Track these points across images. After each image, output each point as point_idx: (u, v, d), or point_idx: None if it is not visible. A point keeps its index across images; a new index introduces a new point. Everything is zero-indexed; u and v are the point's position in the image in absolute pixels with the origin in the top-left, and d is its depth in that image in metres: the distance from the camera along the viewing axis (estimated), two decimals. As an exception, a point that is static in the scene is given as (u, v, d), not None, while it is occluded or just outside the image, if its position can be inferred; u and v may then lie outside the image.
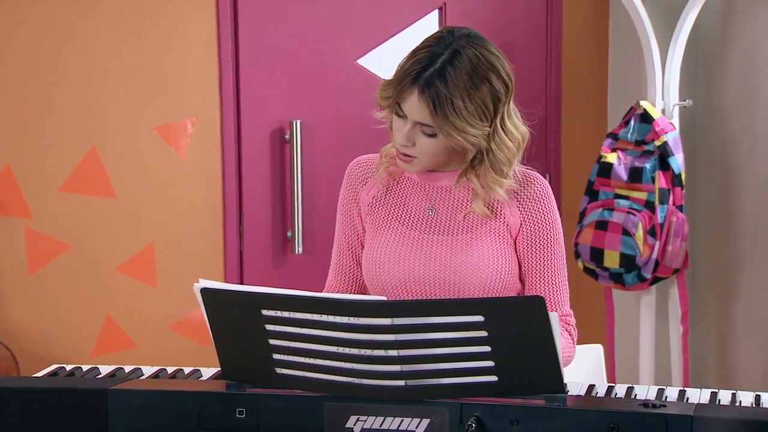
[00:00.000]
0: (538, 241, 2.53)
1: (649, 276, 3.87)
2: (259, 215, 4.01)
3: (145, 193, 3.88)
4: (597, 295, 4.10)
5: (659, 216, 3.83)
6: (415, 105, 2.38)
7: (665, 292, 4.08)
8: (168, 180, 3.90)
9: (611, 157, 3.93)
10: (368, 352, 2.05)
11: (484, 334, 2.01)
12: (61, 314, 3.86)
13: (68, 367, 2.45)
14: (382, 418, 2.10)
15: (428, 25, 4.15)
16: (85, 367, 2.44)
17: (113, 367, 2.43)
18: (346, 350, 2.06)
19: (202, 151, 3.92)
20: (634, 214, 3.83)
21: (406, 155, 2.46)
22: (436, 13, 4.18)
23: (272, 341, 2.11)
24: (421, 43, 2.45)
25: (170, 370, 2.41)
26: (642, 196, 3.87)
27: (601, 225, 3.87)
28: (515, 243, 2.53)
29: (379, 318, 2.01)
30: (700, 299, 4.18)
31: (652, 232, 3.82)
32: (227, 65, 3.92)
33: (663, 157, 3.86)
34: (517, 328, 2.00)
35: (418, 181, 2.57)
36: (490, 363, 2.03)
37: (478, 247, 2.49)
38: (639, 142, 3.92)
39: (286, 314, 2.07)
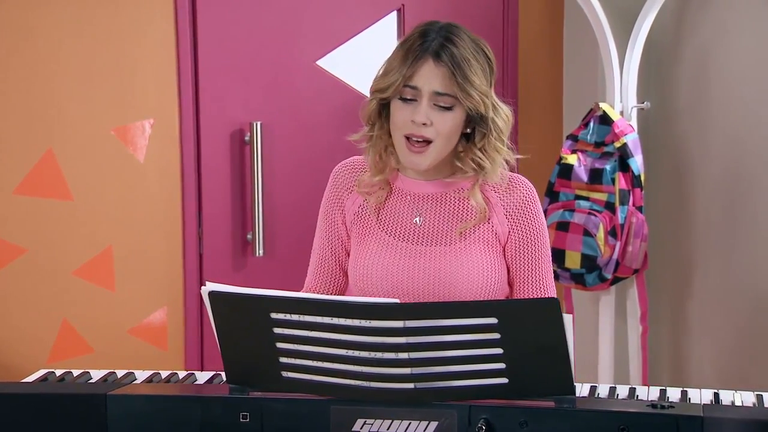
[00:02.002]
0: (526, 247, 2.54)
1: (609, 276, 3.90)
2: (218, 217, 3.97)
3: (102, 196, 3.82)
4: (557, 296, 4.11)
5: (620, 217, 3.86)
6: (431, 74, 2.41)
7: (624, 292, 4.11)
8: (126, 182, 3.84)
9: (571, 159, 3.95)
10: (378, 354, 2.04)
11: (496, 336, 2.00)
12: (16, 319, 3.78)
13: (58, 372, 2.41)
14: (390, 421, 2.09)
15: (387, 27, 4.15)
16: (75, 372, 2.40)
17: (105, 371, 2.39)
18: (356, 353, 2.05)
19: (160, 152, 3.87)
20: (595, 215, 3.85)
21: (420, 142, 2.44)
22: (394, 14, 4.18)
23: (280, 345, 2.09)
24: (408, 35, 2.48)
25: (164, 374, 2.38)
26: (602, 197, 3.89)
27: (562, 226, 3.89)
28: (504, 249, 2.54)
29: (391, 320, 2.00)
30: (654, 299, 4.22)
31: (612, 232, 3.85)
32: (186, 66, 3.87)
33: (623, 158, 3.90)
34: (530, 330, 2.00)
35: (405, 190, 2.56)
36: (501, 365, 2.03)
37: (469, 258, 2.49)
38: (598, 144, 3.95)
39: (295, 317, 2.05)
